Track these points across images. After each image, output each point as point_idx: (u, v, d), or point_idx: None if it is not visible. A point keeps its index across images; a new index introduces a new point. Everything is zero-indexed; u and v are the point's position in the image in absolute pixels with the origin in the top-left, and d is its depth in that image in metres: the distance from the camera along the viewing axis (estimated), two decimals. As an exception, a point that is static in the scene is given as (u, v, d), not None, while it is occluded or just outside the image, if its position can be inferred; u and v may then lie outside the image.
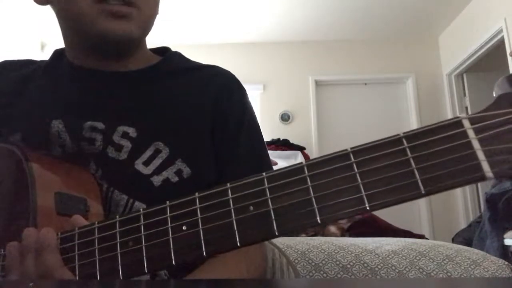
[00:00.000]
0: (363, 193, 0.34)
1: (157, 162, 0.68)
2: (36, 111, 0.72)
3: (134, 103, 0.73)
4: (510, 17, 3.62)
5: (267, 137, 4.25)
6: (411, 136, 0.34)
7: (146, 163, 0.67)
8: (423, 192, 0.32)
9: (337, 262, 0.94)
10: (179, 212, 0.41)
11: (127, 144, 0.68)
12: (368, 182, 0.34)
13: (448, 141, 0.32)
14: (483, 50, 4.13)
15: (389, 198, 0.33)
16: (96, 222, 0.47)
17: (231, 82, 0.79)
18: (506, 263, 0.92)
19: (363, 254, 0.96)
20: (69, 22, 0.71)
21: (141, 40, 0.76)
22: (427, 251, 0.95)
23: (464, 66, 4.54)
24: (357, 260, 0.94)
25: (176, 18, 4.40)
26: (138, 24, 0.68)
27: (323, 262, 0.94)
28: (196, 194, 0.41)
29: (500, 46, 3.87)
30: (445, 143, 0.32)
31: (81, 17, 0.67)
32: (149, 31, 0.75)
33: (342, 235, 2.39)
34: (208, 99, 0.74)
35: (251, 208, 0.38)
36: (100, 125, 0.69)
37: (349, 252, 0.96)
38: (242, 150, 0.73)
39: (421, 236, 2.74)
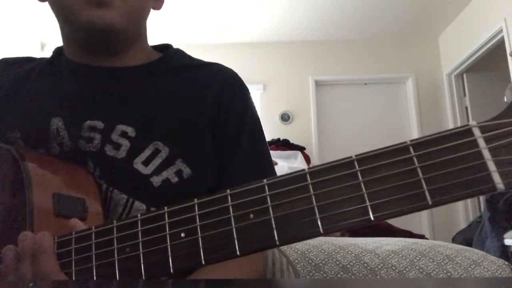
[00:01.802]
0: (368, 203, 0.32)
1: (156, 162, 0.67)
2: (36, 108, 0.72)
3: (134, 101, 0.72)
4: (510, 17, 3.61)
5: (267, 137, 4.23)
6: (419, 144, 0.32)
7: (146, 163, 0.67)
8: (430, 203, 0.30)
9: (337, 262, 0.94)
10: (177, 219, 0.40)
11: (125, 143, 0.67)
12: (373, 191, 0.33)
13: (457, 150, 0.31)
14: (483, 50, 4.13)
15: (394, 208, 0.31)
16: (94, 227, 0.46)
17: (233, 80, 0.78)
18: (506, 263, 0.92)
19: (363, 254, 0.96)
20: (60, 16, 0.71)
21: (133, 34, 0.74)
22: (427, 251, 0.95)
23: (464, 66, 4.53)
24: (357, 260, 0.94)
25: (176, 18, 4.40)
26: (121, 13, 0.66)
27: (323, 262, 0.94)
28: (195, 200, 0.40)
29: (500, 46, 3.87)
30: (454, 152, 0.31)
31: (68, 8, 0.66)
32: (138, 24, 0.73)
33: (342, 235, 2.38)
34: (209, 97, 0.73)
35: (251, 216, 0.37)
36: (99, 124, 0.68)
37: (349, 252, 0.96)
38: (243, 149, 0.72)
39: (421, 236, 2.74)
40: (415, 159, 0.32)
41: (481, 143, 0.30)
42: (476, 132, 0.30)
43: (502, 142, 0.29)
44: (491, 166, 0.29)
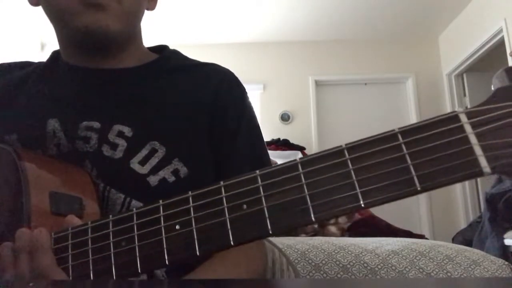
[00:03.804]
0: (358, 190, 0.33)
1: (153, 161, 0.67)
2: (33, 111, 0.72)
3: (130, 102, 0.72)
4: (510, 17, 3.62)
5: (267, 137, 4.24)
6: (407, 131, 0.33)
7: (142, 163, 0.67)
8: (418, 188, 0.31)
9: (337, 262, 0.94)
10: (172, 211, 0.41)
11: (122, 143, 0.67)
12: (363, 178, 0.33)
13: (445, 136, 0.31)
14: (483, 50, 4.13)
15: (384, 195, 0.32)
16: (90, 222, 0.46)
17: (230, 80, 0.78)
18: (506, 263, 0.92)
19: (363, 254, 0.96)
20: (55, 20, 0.71)
21: (129, 35, 0.74)
22: (427, 251, 0.95)
23: (464, 66, 4.54)
24: (357, 260, 0.94)
25: (176, 18, 4.40)
26: (116, 16, 0.67)
27: (323, 262, 0.94)
28: (189, 192, 0.40)
29: (500, 46, 3.87)
30: (442, 138, 0.31)
31: (63, 12, 0.67)
32: (133, 25, 0.74)
33: (342, 235, 2.38)
34: (206, 97, 0.73)
35: (245, 206, 0.37)
36: (96, 124, 0.69)
37: (349, 252, 0.96)
38: (241, 149, 0.72)
39: (421, 236, 2.73)
40: (403, 146, 0.32)
41: (468, 128, 0.30)
42: (463, 118, 0.31)
43: (488, 127, 0.30)
44: (478, 150, 0.30)
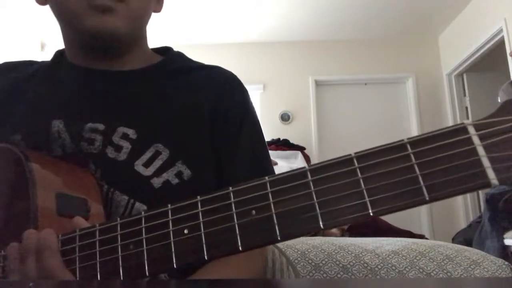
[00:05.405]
0: (367, 198, 0.33)
1: (157, 163, 0.67)
2: (37, 111, 0.72)
3: (134, 104, 0.73)
4: (510, 17, 3.62)
5: (267, 137, 4.24)
6: (416, 141, 0.33)
7: (146, 165, 0.67)
8: (427, 198, 0.31)
9: (337, 262, 0.94)
10: (180, 216, 0.41)
11: (126, 145, 0.68)
12: (371, 187, 0.33)
13: (453, 148, 0.32)
14: (483, 50, 4.13)
15: (392, 204, 0.32)
16: (97, 224, 0.47)
17: (233, 83, 0.78)
18: (506, 263, 0.93)
19: (363, 254, 0.96)
20: (63, 20, 0.71)
21: (135, 37, 0.74)
22: (427, 251, 0.96)
23: (464, 66, 4.54)
24: (357, 260, 0.94)
25: (176, 18, 4.40)
26: (124, 19, 0.67)
27: (323, 262, 0.94)
28: (198, 197, 0.41)
29: (500, 46, 3.87)
30: (450, 149, 0.32)
31: (71, 14, 0.67)
32: (140, 28, 0.74)
33: (342, 235, 2.39)
34: (209, 100, 0.73)
35: (253, 212, 0.37)
36: (101, 126, 0.69)
37: (349, 252, 0.97)
38: (243, 152, 0.72)
39: (421, 236, 2.74)
40: (412, 156, 0.33)
41: (476, 140, 0.31)
42: (471, 130, 0.31)
43: (495, 140, 0.30)
44: (486, 162, 0.30)
